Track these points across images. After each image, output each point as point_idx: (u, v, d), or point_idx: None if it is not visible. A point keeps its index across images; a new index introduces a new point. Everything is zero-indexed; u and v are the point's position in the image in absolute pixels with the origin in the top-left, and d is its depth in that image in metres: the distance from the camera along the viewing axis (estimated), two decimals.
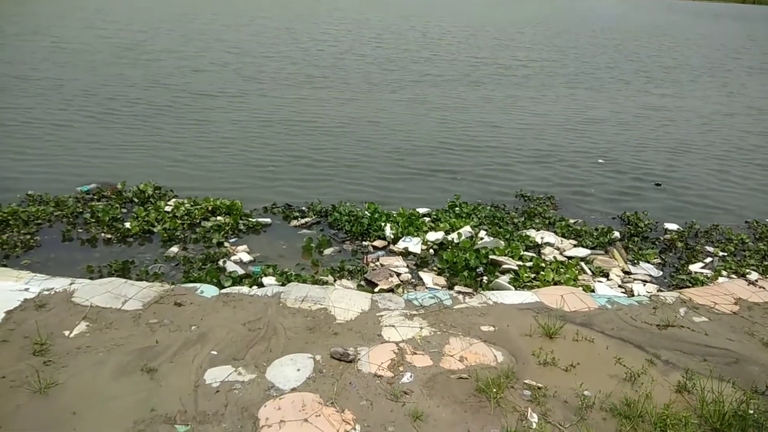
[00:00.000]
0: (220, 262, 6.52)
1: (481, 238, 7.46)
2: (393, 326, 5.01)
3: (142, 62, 17.70)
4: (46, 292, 5.24)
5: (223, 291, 5.53)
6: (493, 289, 6.14)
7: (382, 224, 7.65)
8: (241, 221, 7.59)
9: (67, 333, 4.64)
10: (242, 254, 6.82)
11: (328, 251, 7.14)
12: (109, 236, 7.04)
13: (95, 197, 8.06)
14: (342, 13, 36.25)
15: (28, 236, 6.90)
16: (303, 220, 7.87)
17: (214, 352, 4.48)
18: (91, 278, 5.82)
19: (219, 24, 27.03)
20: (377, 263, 6.81)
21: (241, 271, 6.30)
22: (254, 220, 7.73)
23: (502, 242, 7.30)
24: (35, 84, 14.31)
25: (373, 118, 13.34)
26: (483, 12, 46.91)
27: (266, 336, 4.75)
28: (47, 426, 3.66)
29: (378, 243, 7.39)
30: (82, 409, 3.81)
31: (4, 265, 6.13)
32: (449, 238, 7.47)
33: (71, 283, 5.42)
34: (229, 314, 5.06)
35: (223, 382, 4.14)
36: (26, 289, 5.30)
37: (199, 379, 4.16)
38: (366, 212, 7.89)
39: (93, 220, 7.33)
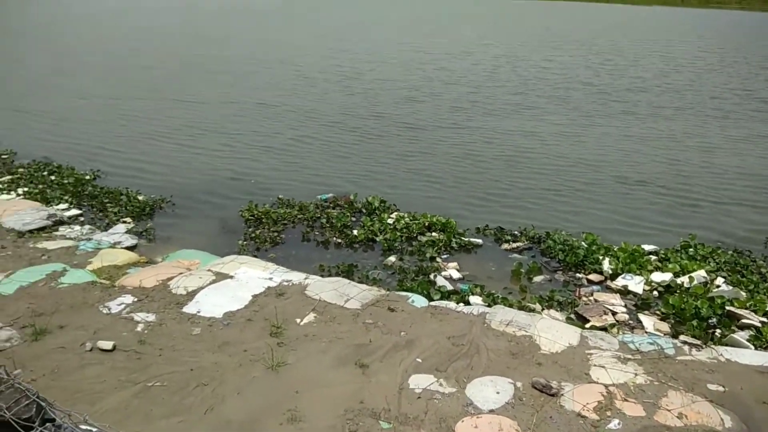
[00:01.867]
0: (431, 276, 6.85)
1: (717, 286, 6.61)
2: (603, 367, 4.72)
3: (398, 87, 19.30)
4: (285, 283, 6.07)
5: (432, 303, 5.80)
6: (726, 345, 5.39)
7: (600, 257, 7.24)
8: (454, 239, 7.85)
9: (298, 321, 5.32)
10: (452, 271, 7.06)
11: (537, 279, 7.00)
12: (339, 241, 7.89)
13: (331, 205, 9.06)
14: (570, 37, 35.07)
15: (276, 234, 8.05)
16: (514, 245, 7.84)
17: (419, 360, 4.73)
18: (322, 276, 6.57)
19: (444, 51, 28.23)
20: (591, 298, 6.47)
21: (449, 287, 6.54)
22: (467, 239, 7.94)
23: (743, 293, 6.38)
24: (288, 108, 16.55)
25: (597, 145, 12.68)
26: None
27: (469, 353, 4.86)
28: (274, 399, 4.23)
29: (593, 277, 7.02)
30: (304, 389, 4.33)
31: (255, 256, 7.23)
32: (678, 281, 6.77)
33: (306, 278, 6.19)
34: (435, 326, 5.29)
35: (425, 389, 4.35)
36: (270, 278, 6.19)
37: (404, 382, 4.43)
38: (583, 243, 7.55)
39: (328, 225, 8.27)
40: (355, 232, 8.01)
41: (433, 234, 7.97)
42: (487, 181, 10.44)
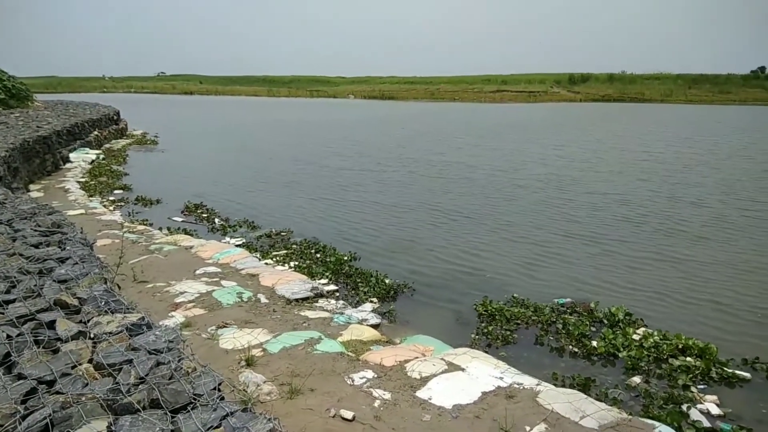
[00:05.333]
0: (684, 407, 5.97)
1: None
2: None
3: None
4: (516, 386, 5.90)
5: None
6: None
7: None
8: (713, 368, 6.80)
9: (527, 428, 5.09)
10: (711, 405, 6.07)
11: None
12: (575, 350, 7.44)
13: (568, 311, 8.67)
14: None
15: (508, 332, 7.95)
16: None
17: None
18: (555, 384, 6.23)
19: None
20: None
21: (706, 423, 5.61)
22: (730, 371, 6.80)
23: None
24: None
25: None
26: None
27: None
28: None
29: None
30: None
31: (486, 352, 7.20)
32: None
33: (538, 384, 5.94)
34: None
35: None
36: (501, 378, 6.08)
37: None
38: None
39: (563, 332, 7.90)
40: (594, 343, 7.49)
41: (688, 359, 7.02)
42: (761, 305, 8.93)
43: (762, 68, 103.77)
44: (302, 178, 21.36)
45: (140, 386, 3.09)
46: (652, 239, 12.65)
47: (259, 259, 10.64)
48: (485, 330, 7.99)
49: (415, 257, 11.50)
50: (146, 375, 3.20)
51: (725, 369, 6.82)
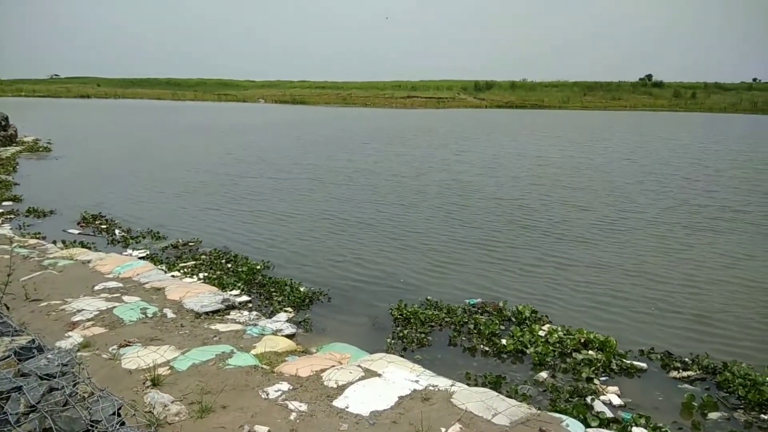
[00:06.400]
0: (588, 399, 6.32)
1: None
2: None
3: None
4: (431, 388, 5.99)
5: (589, 430, 5.32)
6: None
7: None
8: (614, 360, 7.26)
9: (443, 430, 5.17)
10: (612, 396, 6.47)
11: (713, 415, 6.15)
12: (486, 349, 7.69)
13: (479, 311, 8.94)
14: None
15: (423, 335, 8.08)
16: (684, 373, 7.04)
17: None
18: (468, 384, 6.39)
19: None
20: None
21: (609, 414, 5.97)
22: (628, 362, 7.29)
23: None
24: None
25: None
26: None
27: None
28: None
29: None
30: None
31: (402, 356, 7.26)
32: None
33: (452, 385, 6.06)
34: None
35: None
36: (416, 381, 6.15)
37: None
38: None
39: (475, 332, 8.14)
40: (503, 341, 7.77)
41: (590, 352, 7.45)
42: (653, 298, 9.66)
43: (649, 76, 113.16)
44: (210, 186, 20.66)
45: (31, 415, 2.85)
46: (546, 241, 13.34)
47: (165, 272, 10.15)
48: (401, 334, 8.07)
49: (328, 265, 11.42)
50: (38, 402, 2.95)
51: (624, 360, 7.30)
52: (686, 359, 7.38)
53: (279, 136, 41.51)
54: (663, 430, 5.63)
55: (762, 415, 6.15)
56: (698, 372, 7.06)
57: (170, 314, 7.82)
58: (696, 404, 6.28)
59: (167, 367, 6.12)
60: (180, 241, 12.87)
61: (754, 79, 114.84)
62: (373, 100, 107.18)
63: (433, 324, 8.45)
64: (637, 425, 5.71)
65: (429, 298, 9.46)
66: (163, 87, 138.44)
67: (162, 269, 10.28)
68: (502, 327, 8.34)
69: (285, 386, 5.82)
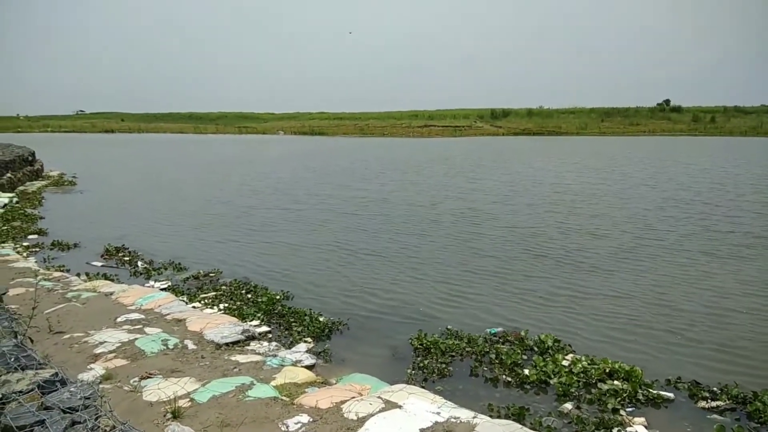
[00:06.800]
0: (615, 431, 6.17)
1: None
2: None
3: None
4: (453, 420, 5.89)
5: None
6: None
7: None
8: (640, 390, 7.08)
9: None
10: (639, 427, 6.29)
11: None
12: (509, 379, 7.56)
13: (500, 340, 8.83)
14: None
15: (443, 365, 7.98)
16: (713, 403, 6.83)
17: None
18: (491, 416, 6.27)
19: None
20: None
21: None
22: (655, 392, 7.11)
23: None
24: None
25: None
26: None
27: None
28: None
29: None
30: None
31: (423, 386, 7.17)
32: None
33: (474, 417, 5.95)
34: None
35: None
36: (438, 413, 6.05)
37: None
38: None
39: (497, 361, 8.01)
40: (526, 371, 7.64)
41: (616, 382, 7.28)
42: (676, 326, 9.45)
43: (667, 101, 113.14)
44: (230, 219, 20.89)
45: None
46: (564, 270, 13.19)
47: (186, 303, 10.22)
48: (421, 364, 7.99)
49: (346, 295, 11.39)
50: None
51: (651, 390, 7.11)
52: (714, 389, 7.16)
53: (297, 167, 41.98)
54: None
55: None
56: (727, 402, 6.84)
57: (191, 345, 7.85)
58: None
59: (188, 399, 6.12)
60: (201, 272, 12.98)
61: None
62: (390, 130, 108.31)
63: (453, 354, 8.35)
64: None
65: (449, 327, 9.37)
66: (185, 121, 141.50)
67: (183, 300, 10.37)
68: (524, 357, 8.21)
69: (305, 418, 5.78)
